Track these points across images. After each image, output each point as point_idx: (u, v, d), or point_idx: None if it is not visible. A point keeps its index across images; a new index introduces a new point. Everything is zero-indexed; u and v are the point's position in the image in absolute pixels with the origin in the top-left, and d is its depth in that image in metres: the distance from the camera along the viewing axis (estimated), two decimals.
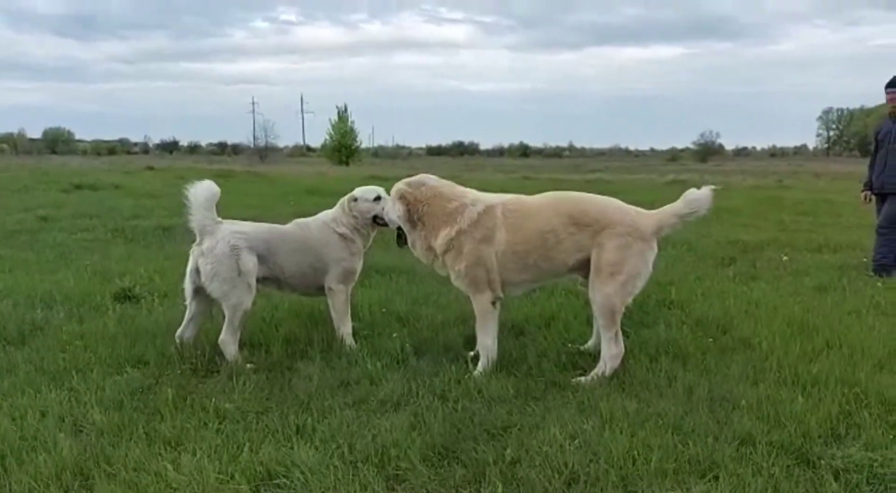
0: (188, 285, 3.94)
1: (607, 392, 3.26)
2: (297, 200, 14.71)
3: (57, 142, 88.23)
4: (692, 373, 3.52)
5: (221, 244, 3.83)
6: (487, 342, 3.71)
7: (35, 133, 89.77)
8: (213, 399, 3.22)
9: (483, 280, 3.67)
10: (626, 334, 4.18)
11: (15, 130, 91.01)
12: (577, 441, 2.74)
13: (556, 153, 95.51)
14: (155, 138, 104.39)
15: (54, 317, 4.64)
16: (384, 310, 4.71)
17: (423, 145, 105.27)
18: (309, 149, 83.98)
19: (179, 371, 3.64)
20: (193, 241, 7.92)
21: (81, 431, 2.94)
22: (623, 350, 3.59)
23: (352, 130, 49.65)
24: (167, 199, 14.61)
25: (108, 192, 16.52)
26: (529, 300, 4.92)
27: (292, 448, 2.74)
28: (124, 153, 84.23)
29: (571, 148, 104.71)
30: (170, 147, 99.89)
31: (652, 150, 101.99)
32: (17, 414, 3.06)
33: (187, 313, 4.01)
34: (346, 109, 49.90)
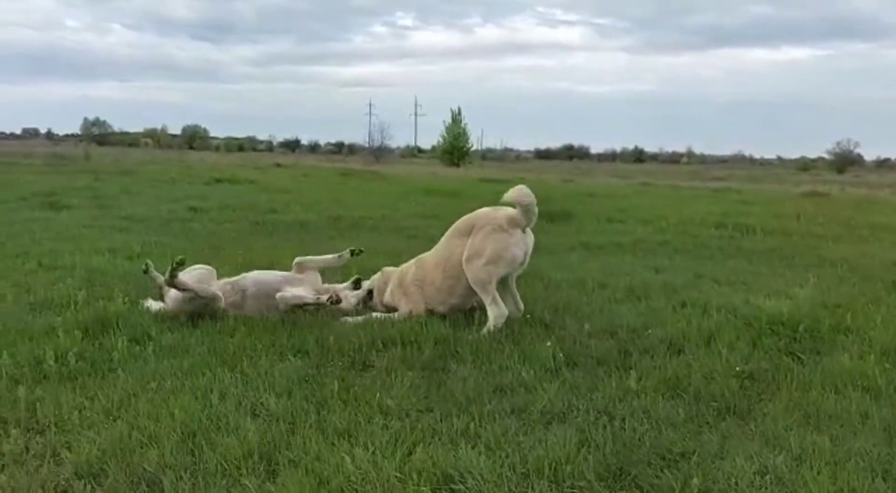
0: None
1: (792, 424, 2.99)
2: (417, 199, 15.02)
3: (194, 138, 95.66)
4: (886, 409, 3.17)
5: None
6: None
7: (175, 129, 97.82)
8: (377, 394, 3.27)
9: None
10: (800, 361, 3.86)
11: (158, 126, 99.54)
12: (767, 477, 2.52)
13: (674, 159, 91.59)
14: (279, 137, 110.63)
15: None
16: (528, 316, 4.62)
17: (532, 148, 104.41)
18: (420, 150, 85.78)
19: (341, 363, 3.75)
20: (331, 237, 8.13)
21: (258, 416, 3.08)
22: (505, 311, 4.48)
23: (464, 132, 50.23)
24: (298, 195, 15.42)
25: (244, 186, 17.64)
26: (683, 316, 4.67)
27: (458, 452, 2.72)
28: (251, 150, 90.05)
29: (690, 154, 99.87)
30: (292, 146, 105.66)
31: (779, 158, 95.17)
32: (199, 393, 3.26)
33: None
34: (459, 112, 50.59)
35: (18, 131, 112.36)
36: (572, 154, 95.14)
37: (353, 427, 2.94)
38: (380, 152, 57.75)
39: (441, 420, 3.03)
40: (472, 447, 2.75)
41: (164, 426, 2.85)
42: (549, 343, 3.97)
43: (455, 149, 48.52)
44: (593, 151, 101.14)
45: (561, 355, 3.83)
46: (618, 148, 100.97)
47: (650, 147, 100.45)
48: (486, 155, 77.61)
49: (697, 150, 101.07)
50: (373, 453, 2.66)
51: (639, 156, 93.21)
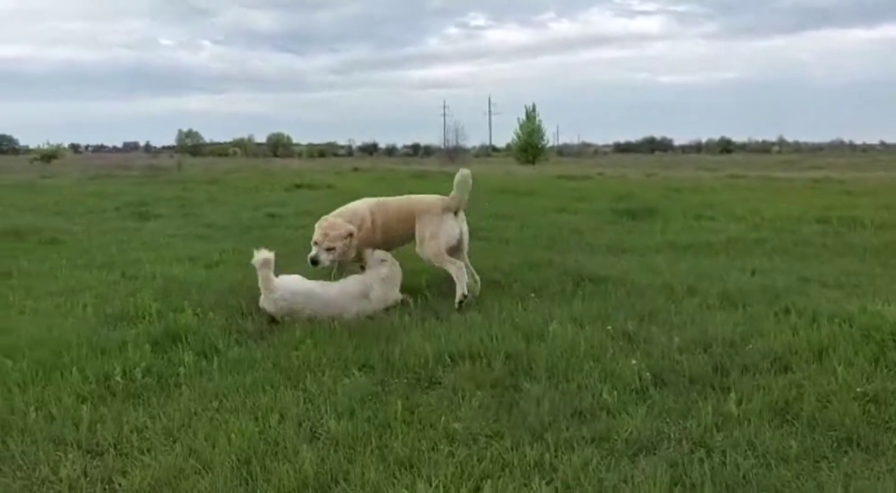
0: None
1: None
2: (491, 199, 14.71)
3: (278, 146, 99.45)
4: None
5: None
6: None
7: (261, 138, 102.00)
8: (442, 417, 3.03)
9: None
10: None
11: (245, 136, 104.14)
12: None
13: (764, 148, 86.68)
14: (357, 141, 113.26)
15: None
16: (609, 328, 4.24)
17: (611, 142, 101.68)
18: (494, 149, 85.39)
19: (405, 380, 3.53)
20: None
21: (318, 438, 2.91)
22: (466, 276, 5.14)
23: (539, 128, 49.39)
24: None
25: (322, 191, 17.90)
26: (787, 326, 4.15)
27: (531, 489, 2.43)
28: (332, 155, 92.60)
29: (782, 142, 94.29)
30: (370, 149, 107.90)
31: (882, 143, 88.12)
32: (259, 414, 3.12)
33: None
34: (534, 109, 49.82)
35: (120, 145, 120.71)
36: (654, 147, 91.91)
37: (416, 455, 2.71)
38: (454, 153, 57.75)
39: (512, 449, 2.75)
40: (547, 483, 2.46)
41: (221, 451, 2.72)
42: (633, 361, 3.57)
43: (530, 146, 47.77)
44: (676, 142, 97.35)
45: (648, 373, 3.45)
46: (703, 139, 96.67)
47: (738, 137, 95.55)
48: (563, 151, 76.22)
49: (790, 137, 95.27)
50: (436, 487, 2.41)
51: (725, 146, 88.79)
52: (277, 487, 2.46)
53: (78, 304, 5.30)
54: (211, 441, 2.82)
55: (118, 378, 3.46)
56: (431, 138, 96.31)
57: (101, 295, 5.66)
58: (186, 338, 4.16)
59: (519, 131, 49.39)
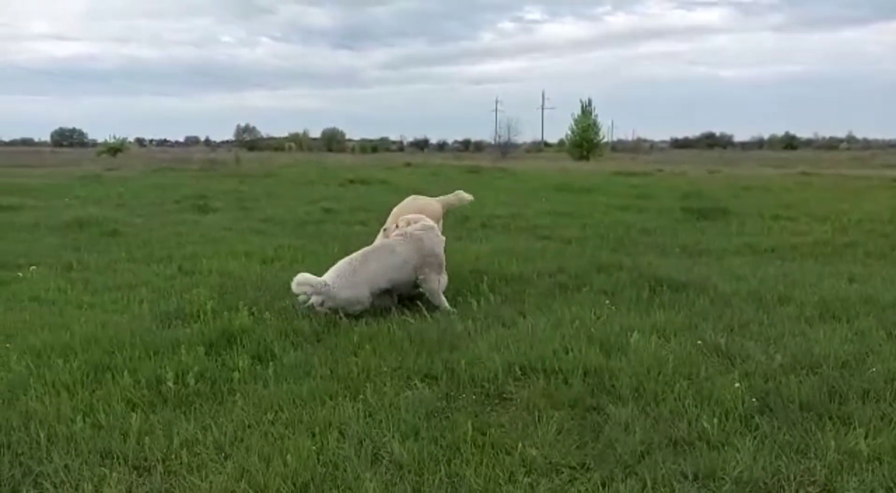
0: None
1: None
2: (547, 196, 14.25)
3: (332, 141, 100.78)
4: None
5: None
6: None
7: (315, 133, 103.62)
8: (519, 441, 2.70)
9: None
10: None
11: (300, 131, 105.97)
12: None
13: (830, 145, 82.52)
14: (409, 137, 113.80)
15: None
16: (699, 342, 3.81)
17: (668, 138, 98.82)
18: (546, 144, 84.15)
19: (473, 396, 3.21)
20: (458, 238, 7.59)
21: (380, 461, 2.62)
22: None
23: (594, 123, 48.29)
24: (427, 194, 15.24)
25: (376, 187, 17.78)
26: None
27: None
28: (384, 151, 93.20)
29: (850, 139, 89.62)
30: (421, 145, 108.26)
31: None
32: (317, 429, 2.86)
33: None
34: (589, 103, 48.75)
35: (182, 139, 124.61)
36: (713, 143, 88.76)
37: (492, 487, 2.39)
38: (506, 148, 57.13)
39: (603, 486, 2.39)
40: None
41: (276, 474, 2.46)
42: (737, 384, 3.14)
43: (585, 141, 46.73)
44: (737, 138, 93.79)
45: (752, 397, 3.02)
46: (765, 135, 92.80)
47: (803, 133, 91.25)
48: (617, 146, 74.47)
49: (859, 134, 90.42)
50: None
51: (790, 142, 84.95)
52: None
53: (134, 299, 5.20)
54: (265, 461, 2.56)
55: (170, 383, 3.25)
56: (483, 134, 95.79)
57: (158, 290, 5.56)
58: (241, 340, 3.95)
59: (574, 126, 48.40)
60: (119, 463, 2.56)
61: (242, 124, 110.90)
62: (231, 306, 4.61)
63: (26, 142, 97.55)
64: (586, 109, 48.30)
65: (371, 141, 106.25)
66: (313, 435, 2.81)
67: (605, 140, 57.07)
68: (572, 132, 48.64)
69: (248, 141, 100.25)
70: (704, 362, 3.54)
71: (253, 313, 4.47)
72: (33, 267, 6.22)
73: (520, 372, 3.46)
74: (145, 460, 2.61)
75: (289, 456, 2.55)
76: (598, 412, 3.04)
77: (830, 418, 2.88)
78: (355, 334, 4.11)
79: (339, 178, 19.34)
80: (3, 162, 31.19)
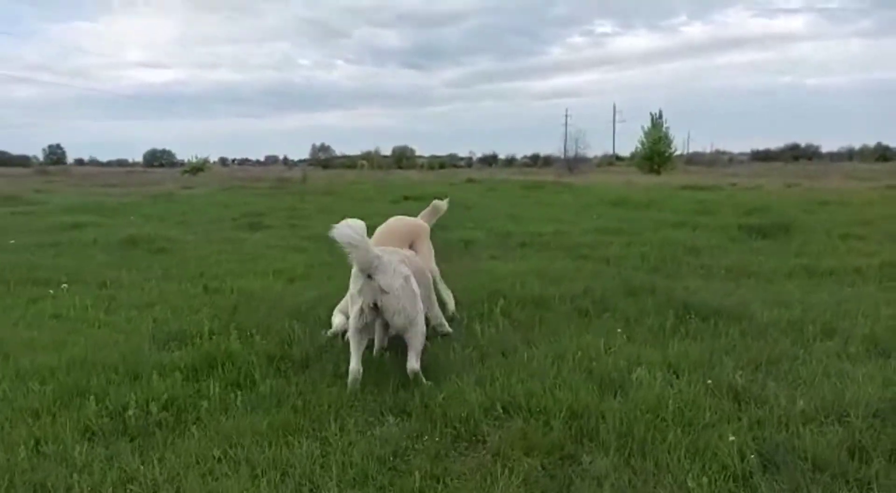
0: None
1: None
2: (601, 212, 13.71)
3: (402, 158, 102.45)
4: None
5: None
6: None
7: (387, 151, 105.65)
8: None
9: None
10: None
11: (372, 149, 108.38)
12: None
13: None
14: (478, 153, 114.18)
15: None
16: (709, 381, 3.37)
17: (748, 150, 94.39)
18: (618, 158, 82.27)
19: (437, 438, 2.93)
20: (492, 257, 7.25)
21: None
22: None
23: (666, 136, 46.65)
24: (478, 210, 15.01)
25: (428, 202, 17.73)
26: None
27: None
28: (452, 167, 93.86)
29: None
30: (489, 160, 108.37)
31: None
32: (260, 471, 2.66)
33: None
34: (660, 115, 47.18)
35: (262, 158, 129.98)
36: (797, 154, 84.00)
37: None
38: (574, 162, 56.17)
39: None
40: None
41: None
42: (732, 437, 2.72)
43: (655, 154, 45.16)
44: (824, 149, 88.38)
45: (753, 454, 2.59)
46: (856, 145, 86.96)
47: None
48: (693, 159, 71.74)
49: None
50: None
51: (882, 153, 79.18)
52: None
53: (147, 319, 5.22)
54: None
55: (131, 412, 3.15)
56: (552, 148, 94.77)
57: (174, 309, 5.57)
58: (224, 366, 3.83)
59: (643, 139, 46.95)
60: None
61: (318, 143, 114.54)
62: (231, 328, 4.53)
63: (121, 163, 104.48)
64: (657, 122, 46.75)
65: (439, 157, 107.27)
66: (254, 477, 2.62)
67: (678, 153, 55.10)
68: (642, 145, 47.17)
69: (323, 160, 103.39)
70: (711, 405, 3.11)
71: (249, 335, 4.37)
72: (64, 285, 6.41)
73: (501, 411, 3.16)
74: None
75: None
76: (574, 462, 2.70)
77: (847, 481, 2.43)
78: (344, 363, 3.91)
79: (395, 195, 19.41)
80: (97, 182, 33.39)
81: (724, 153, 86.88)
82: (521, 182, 28.16)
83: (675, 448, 2.70)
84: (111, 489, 2.52)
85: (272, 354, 4.10)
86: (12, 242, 9.71)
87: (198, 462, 2.76)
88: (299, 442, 2.90)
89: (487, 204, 16.79)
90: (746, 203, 14.30)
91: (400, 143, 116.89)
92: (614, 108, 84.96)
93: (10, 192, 22.49)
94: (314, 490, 2.54)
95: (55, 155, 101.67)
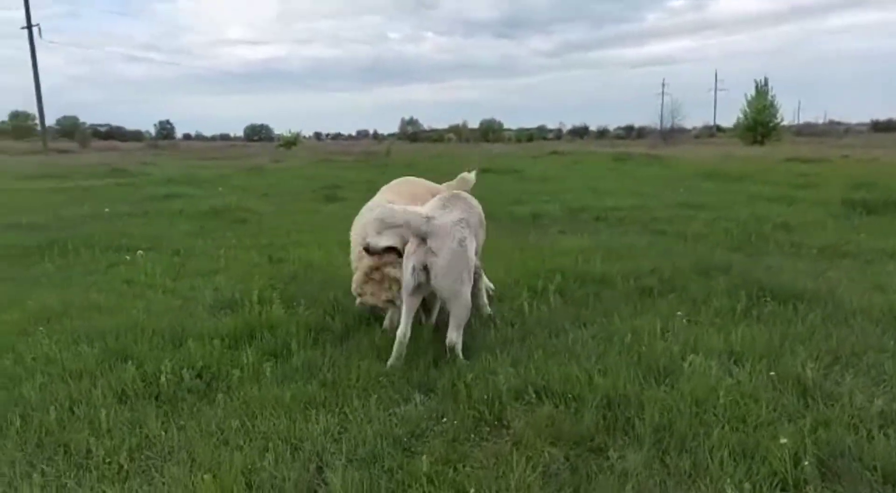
0: None
1: None
2: (689, 185, 12.87)
3: (489, 131, 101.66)
4: None
5: None
6: None
7: (474, 124, 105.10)
8: (486, 486, 2.23)
9: None
10: None
11: (459, 122, 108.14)
12: None
13: None
14: (568, 125, 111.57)
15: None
16: (772, 373, 2.99)
17: (867, 120, 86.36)
18: (719, 129, 77.69)
19: (464, 418, 2.76)
20: (560, 231, 6.80)
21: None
22: None
23: (771, 105, 43.33)
24: (556, 183, 14.55)
25: (507, 176, 17.35)
26: None
27: None
28: (541, 139, 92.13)
29: None
30: (580, 133, 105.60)
31: None
32: (271, 444, 2.60)
33: None
34: (765, 83, 43.84)
35: (354, 133, 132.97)
36: None
37: None
38: (669, 134, 53.58)
39: None
40: None
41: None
42: (784, 439, 2.36)
43: (758, 125, 42.09)
44: None
45: (810, 459, 2.25)
46: None
47: None
48: (803, 130, 66.51)
49: None
50: None
51: None
52: None
53: (208, 286, 5.35)
54: (193, 479, 2.35)
55: (164, 377, 3.19)
56: (646, 119, 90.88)
57: (235, 278, 5.68)
58: (263, 335, 3.84)
59: (746, 109, 43.85)
60: (59, 461, 2.50)
61: (407, 117, 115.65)
62: (275, 297, 4.54)
63: (224, 137, 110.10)
64: (761, 90, 43.45)
65: (528, 130, 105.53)
66: (265, 450, 2.57)
67: (786, 123, 51.14)
68: (744, 115, 44.07)
69: (411, 133, 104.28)
70: (772, 400, 2.75)
71: (293, 305, 4.37)
72: (140, 252, 6.71)
73: (533, 395, 2.94)
74: (88, 458, 2.53)
75: (207, 476, 2.31)
76: (602, 454, 2.46)
77: None
78: (380, 337, 3.81)
79: (472, 167, 19.14)
80: (197, 155, 35.28)
81: (839, 124, 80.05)
82: (609, 154, 27.07)
83: (719, 447, 2.39)
84: (127, 453, 2.54)
85: (313, 324, 4.07)
86: (107, 210, 10.35)
87: (217, 431, 2.75)
88: (317, 417, 2.82)
89: (568, 177, 16.23)
90: (855, 176, 13.00)
91: (488, 115, 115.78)
92: (716, 75, 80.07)
93: (119, 164, 24.14)
94: (321, 467, 2.45)
95: (165, 130, 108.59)
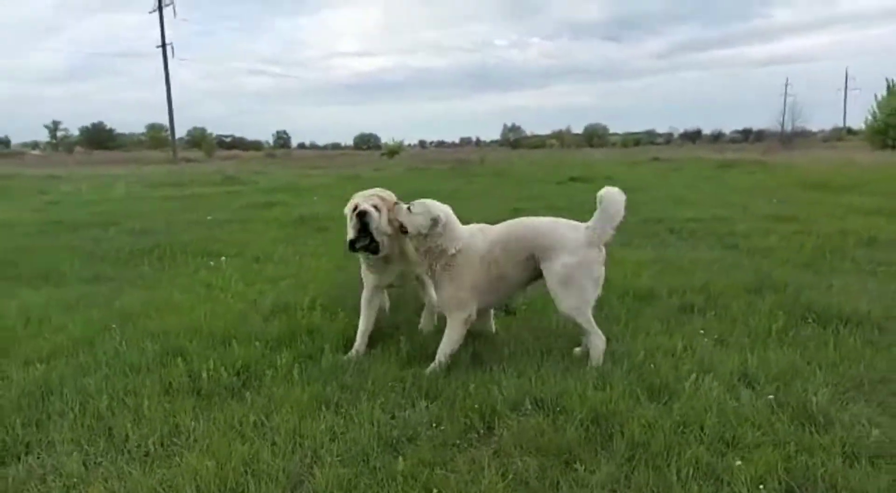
0: None
1: None
2: (788, 195, 12.11)
3: (594, 136, 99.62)
4: None
5: None
6: None
7: (578, 129, 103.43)
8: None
9: None
10: None
11: (563, 128, 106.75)
12: None
13: None
14: (679, 128, 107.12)
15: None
16: (770, 397, 2.91)
17: None
18: (850, 131, 71.54)
19: (456, 425, 2.92)
20: (624, 244, 6.69)
21: (299, 487, 2.55)
22: None
23: None
24: (642, 192, 14.16)
25: (597, 184, 17.02)
26: None
27: None
28: (648, 144, 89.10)
29: None
30: (692, 136, 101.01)
31: None
32: (279, 440, 2.89)
33: None
34: None
35: (457, 140, 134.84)
36: None
37: None
38: (790, 137, 50.13)
39: None
40: None
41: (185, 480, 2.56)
42: (738, 461, 2.33)
43: (889, 127, 38.37)
44: None
45: (774, 483, 2.21)
46: None
47: None
48: None
49: None
50: None
51: None
52: None
53: (271, 292, 5.82)
54: (190, 470, 2.66)
55: (205, 374, 3.59)
56: (768, 122, 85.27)
57: (298, 284, 6.13)
58: (301, 339, 4.18)
59: (875, 110, 40.14)
60: (101, 442, 2.92)
61: (509, 124, 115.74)
62: (317, 304, 4.87)
63: (335, 146, 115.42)
64: (894, 89, 39.62)
65: (635, 134, 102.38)
66: (272, 444, 2.86)
67: None
68: (873, 117, 40.37)
69: (513, 140, 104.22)
70: (763, 424, 2.70)
71: (335, 313, 4.69)
72: (223, 257, 7.36)
73: (529, 406, 3.06)
74: (126, 442, 2.93)
75: (211, 462, 2.63)
76: (571, 468, 2.54)
77: None
78: (404, 344, 4.03)
79: (561, 175, 19.03)
80: (306, 164, 37.38)
81: None
82: (714, 161, 25.86)
83: (686, 467, 2.40)
84: (157, 439, 2.92)
85: (350, 331, 4.36)
86: (209, 217, 11.33)
87: (237, 425, 3.08)
88: (324, 416, 3.09)
89: (660, 185, 15.75)
90: None
91: (594, 120, 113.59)
92: (846, 74, 73.77)
93: (232, 173, 26.16)
94: (315, 463, 2.70)
95: (282, 140, 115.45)
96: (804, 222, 8.51)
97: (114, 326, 4.44)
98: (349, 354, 3.98)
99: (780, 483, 2.25)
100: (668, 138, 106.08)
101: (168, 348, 4.03)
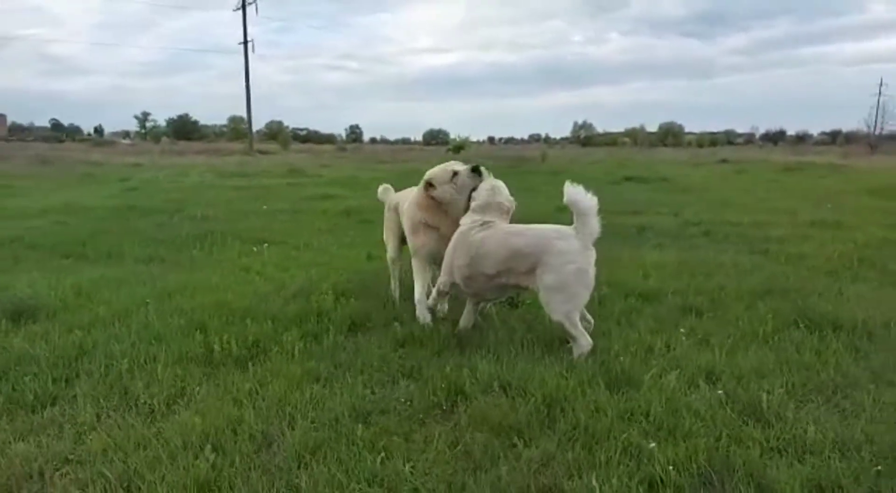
0: None
1: None
2: (844, 201, 11.62)
3: (668, 135, 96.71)
4: None
5: None
6: None
7: (653, 127, 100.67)
8: (401, 461, 2.67)
9: None
10: None
11: (637, 125, 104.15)
12: None
13: None
14: (761, 128, 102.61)
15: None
16: (719, 392, 3.01)
17: None
18: None
19: (426, 401, 3.19)
20: (658, 245, 6.78)
21: (272, 444, 2.89)
22: None
23: None
24: (693, 194, 13.91)
25: (651, 185, 16.85)
26: None
27: None
28: (726, 144, 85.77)
29: None
30: (775, 137, 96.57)
31: None
32: (265, 406, 3.24)
33: None
34: None
35: (526, 137, 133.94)
36: None
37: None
38: (878, 140, 47.24)
39: None
40: None
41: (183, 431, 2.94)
42: (652, 444, 2.48)
43: None
44: None
45: (690, 468, 2.36)
46: None
47: None
48: None
49: None
50: None
51: None
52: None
53: (300, 276, 6.22)
54: (180, 424, 3.03)
55: (217, 346, 4.00)
56: (857, 123, 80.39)
57: (328, 270, 6.51)
58: (310, 320, 4.54)
59: None
60: (115, 398, 3.35)
61: (579, 121, 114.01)
62: (327, 289, 5.21)
63: (405, 141, 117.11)
64: None
65: (713, 134, 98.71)
66: (257, 410, 3.21)
67: None
68: None
69: (583, 138, 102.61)
70: (709, 417, 2.83)
71: (348, 298, 5.03)
72: (265, 244, 7.87)
73: (497, 389, 3.28)
74: (137, 400, 3.35)
75: (197, 417, 3.00)
76: (512, 446, 2.76)
77: None
78: (399, 330, 4.31)
79: (616, 175, 18.81)
80: (373, 159, 38.25)
81: None
82: (782, 164, 24.86)
83: (614, 449, 2.58)
84: (164, 399, 3.33)
85: (357, 315, 4.69)
86: (265, 207, 11.99)
87: (234, 390, 3.46)
88: (311, 388, 3.42)
89: (715, 188, 15.40)
90: None
91: (671, 118, 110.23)
92: None
93: (299, 166, 27.17)
94: (290, 425, 3.03)
95: (354, 134, 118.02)
96: (847, 229, 8.24)
97: (148, 301, 4.94)
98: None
99: (698, 468, 2.40)
100: (750, 138, 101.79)
101: (192, 322, 4.48)
